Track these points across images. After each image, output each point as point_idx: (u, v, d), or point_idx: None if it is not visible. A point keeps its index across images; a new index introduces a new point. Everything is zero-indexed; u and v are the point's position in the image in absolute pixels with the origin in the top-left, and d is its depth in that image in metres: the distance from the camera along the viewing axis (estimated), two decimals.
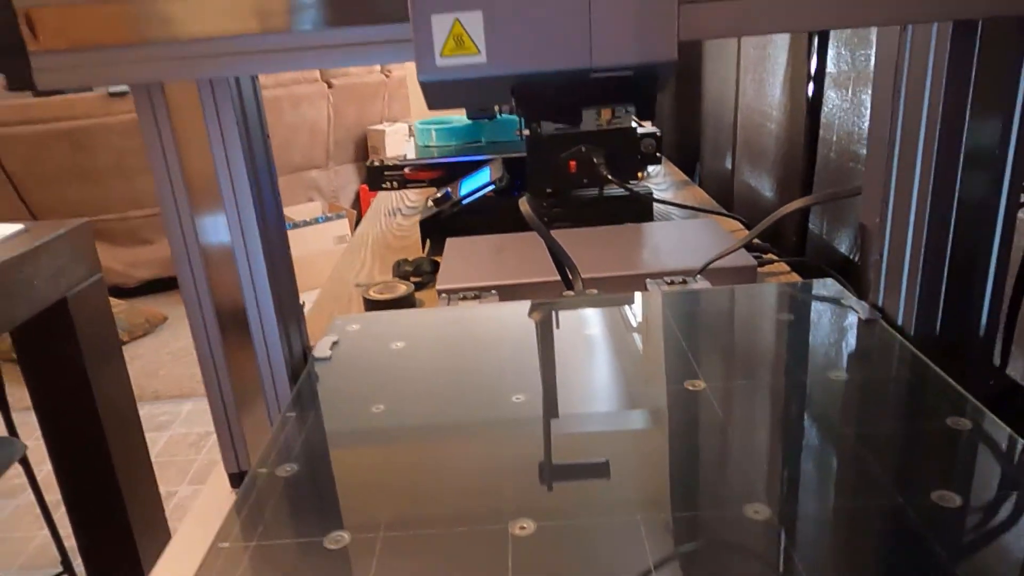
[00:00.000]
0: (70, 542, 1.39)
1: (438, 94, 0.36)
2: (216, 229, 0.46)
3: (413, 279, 0.86)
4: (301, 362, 0.53)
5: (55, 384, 1.27)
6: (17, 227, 1.19)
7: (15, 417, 1.37)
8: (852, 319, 0.54)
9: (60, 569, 1.45)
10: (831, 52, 0.85)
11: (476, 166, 1.05)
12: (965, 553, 0.32)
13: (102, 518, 1.37)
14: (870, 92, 0.76)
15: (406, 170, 1.11)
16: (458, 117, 1.27)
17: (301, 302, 0.55)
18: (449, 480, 0.40)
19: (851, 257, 0.83)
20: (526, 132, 0.95)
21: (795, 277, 0.83)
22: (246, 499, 0.38)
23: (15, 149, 2.84)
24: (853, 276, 0.81)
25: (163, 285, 3.12)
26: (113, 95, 2.79)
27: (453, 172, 1.10)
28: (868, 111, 0.77)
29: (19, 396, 1.34)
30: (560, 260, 0.69)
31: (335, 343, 0.55)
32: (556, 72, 0.33)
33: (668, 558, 0.33)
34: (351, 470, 0.42)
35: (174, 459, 2.05)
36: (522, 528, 0.35)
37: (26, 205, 2.94)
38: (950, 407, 0.42)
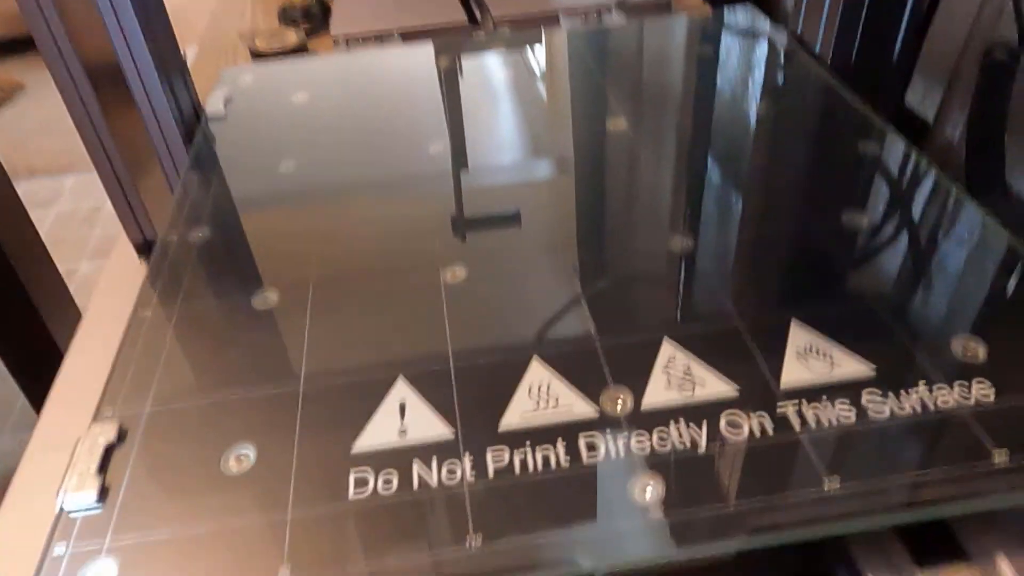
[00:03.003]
0: None
1: None
2: None
3: (303, 25, 0.78)
4: (194, 120, 0.49)
5: None
6: None
7: None
8: (770, 48, 0.53)
9: None
10: None
11: None
12: (867, 273, 0.35)
13: (4, 305, 1.33)
14: None
15: None
16: None
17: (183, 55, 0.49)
18: (374, 235, 0.39)
19: None
20: None
21: (708, 9, 0.80)
22: (159, 266, 0.36)
23: None
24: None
25: (14, 48, 2.75)
26: None
27: None
28: None
29: None
30: None
31: (228, 100, 0.50)
32: None
33: (597, 291, 0.34)
34: (267, 231, 0.40)
35: (66, 236, 1.96)
36: (454, 275, 0.35)
37: None
38: (862, 132, 0.43)
